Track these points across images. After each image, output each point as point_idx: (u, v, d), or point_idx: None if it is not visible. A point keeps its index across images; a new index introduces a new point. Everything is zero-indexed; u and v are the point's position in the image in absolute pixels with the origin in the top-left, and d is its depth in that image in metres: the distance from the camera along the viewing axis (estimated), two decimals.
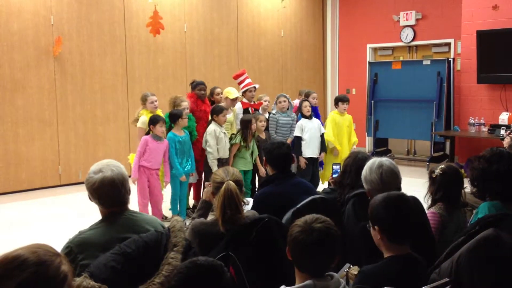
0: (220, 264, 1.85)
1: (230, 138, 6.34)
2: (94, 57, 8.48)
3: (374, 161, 3.07)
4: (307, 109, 6.88)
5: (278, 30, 11.37)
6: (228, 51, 10.44)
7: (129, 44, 8.89)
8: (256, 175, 6.74)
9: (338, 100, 7.38)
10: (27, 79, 7.79)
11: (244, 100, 6.99)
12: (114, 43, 8.71)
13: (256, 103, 7.08)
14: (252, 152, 6.43)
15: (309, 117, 6.87)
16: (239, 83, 7.07)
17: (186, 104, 6.24)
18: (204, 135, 6.18)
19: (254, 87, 7.03)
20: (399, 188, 3.04)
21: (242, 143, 6.27)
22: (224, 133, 6.21)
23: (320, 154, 6.95)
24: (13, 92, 7.66)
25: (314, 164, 6.91)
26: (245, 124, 6.26)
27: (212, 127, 6.13)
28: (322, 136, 6.96)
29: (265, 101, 7.21)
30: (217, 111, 6.17)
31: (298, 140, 6.78)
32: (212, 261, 1.85)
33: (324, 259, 2.03)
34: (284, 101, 6.91)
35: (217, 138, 6.10)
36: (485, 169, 3.00)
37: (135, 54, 8.98)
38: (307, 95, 7.56)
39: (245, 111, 6.85)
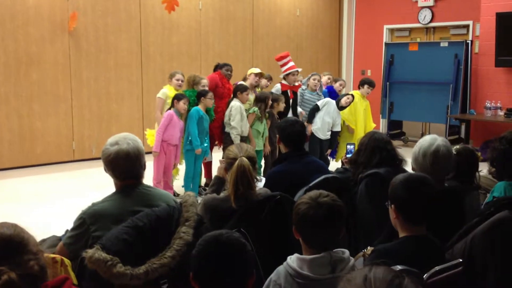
0: (244, 243, 1.84)
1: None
2: (109, 33, 8.46)
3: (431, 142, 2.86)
4: (346, 101, 6.87)
5: (294, 9, 11.24)
6: (243, 29, 10.36)
7: (144, 21, 8.84)
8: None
9: (365, 83, 7.33)
10: (42, 54, 7.80)
11: (284, 82, 6.95)
12: (129, 20, 8.67)
13: (295, 85, 7.05)
14: (263, 133, 6.48)
15: (341, 108, 6.87)
16: (281, 66, 6.98)
17: (205, 82, 6.22)
18: (228, 110, 6.17)
19: (297, 70, 6.97)
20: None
21: (258, 114, 6.29)
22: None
23: (327, 149, 7.01)
24: (28, 66, 7.68)
25: (322, 143, 6.90)
26: (262, 99, 6.32)
27: (237, 103, 6.13)
28: (335, 133, 6.96)
29: (314, 79, 7.07)
30: (241, 89, 6.19)
31: (315, 108, 6.78)
32: (236, 236, 1.84)
33: (334, 232, 2.08)
34: (318, 81, 6.98)
35: (241, 114, 6.12)
36: (506, 150, 2.98)
37: (150, 31, 8.94)
38: (334, 80, 7.64)
39: (284, 93, 6.81)
